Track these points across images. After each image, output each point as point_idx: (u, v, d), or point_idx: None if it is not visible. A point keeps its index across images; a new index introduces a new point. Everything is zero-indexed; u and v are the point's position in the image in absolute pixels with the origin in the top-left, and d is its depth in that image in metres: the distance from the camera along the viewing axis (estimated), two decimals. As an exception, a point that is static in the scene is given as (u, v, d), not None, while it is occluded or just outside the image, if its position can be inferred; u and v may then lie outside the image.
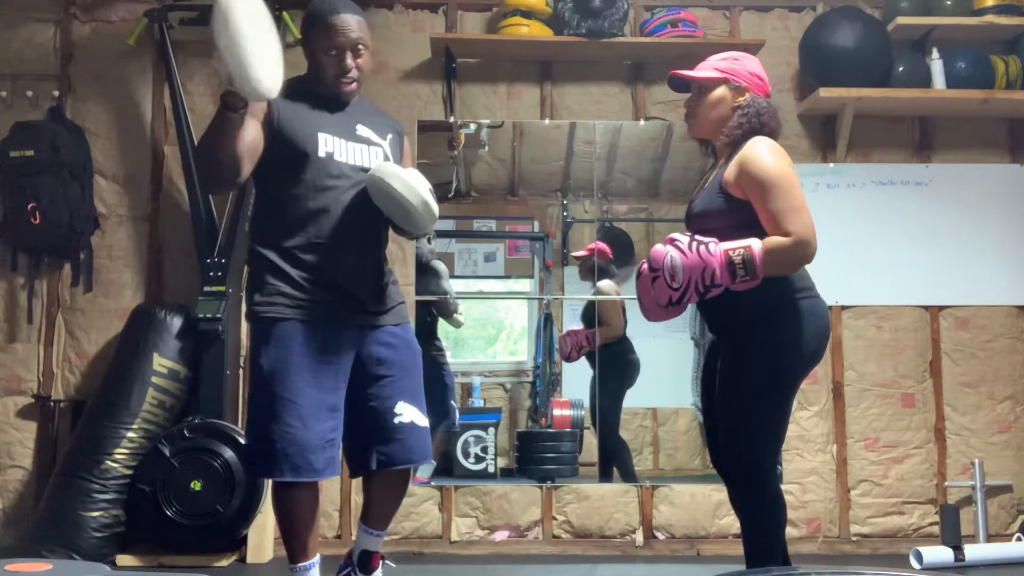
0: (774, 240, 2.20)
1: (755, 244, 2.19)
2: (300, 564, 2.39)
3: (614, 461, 4.16)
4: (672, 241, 2.25)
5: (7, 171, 3.76)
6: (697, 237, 2.24)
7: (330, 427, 2.34)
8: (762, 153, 2.27)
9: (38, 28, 4.00)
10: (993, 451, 3.91)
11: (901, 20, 3.92)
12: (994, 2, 3.91)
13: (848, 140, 3.97)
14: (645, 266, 2.31)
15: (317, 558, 2.42)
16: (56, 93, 3.90)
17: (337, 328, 2.38)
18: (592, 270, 4.27)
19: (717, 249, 2.20)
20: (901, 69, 3.89)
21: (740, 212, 2.28)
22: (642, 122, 4.08)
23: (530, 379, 4.54)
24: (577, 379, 4.37)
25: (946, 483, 3.89)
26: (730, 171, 2.31)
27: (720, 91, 2.39)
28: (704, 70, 2.43)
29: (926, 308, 4.00)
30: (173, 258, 3.90)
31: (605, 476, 4.10)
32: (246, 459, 2.34)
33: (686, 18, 3.93)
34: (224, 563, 3.40)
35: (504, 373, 4.57)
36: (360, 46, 2.40)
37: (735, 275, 2.18)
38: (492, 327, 4.77)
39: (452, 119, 4.02)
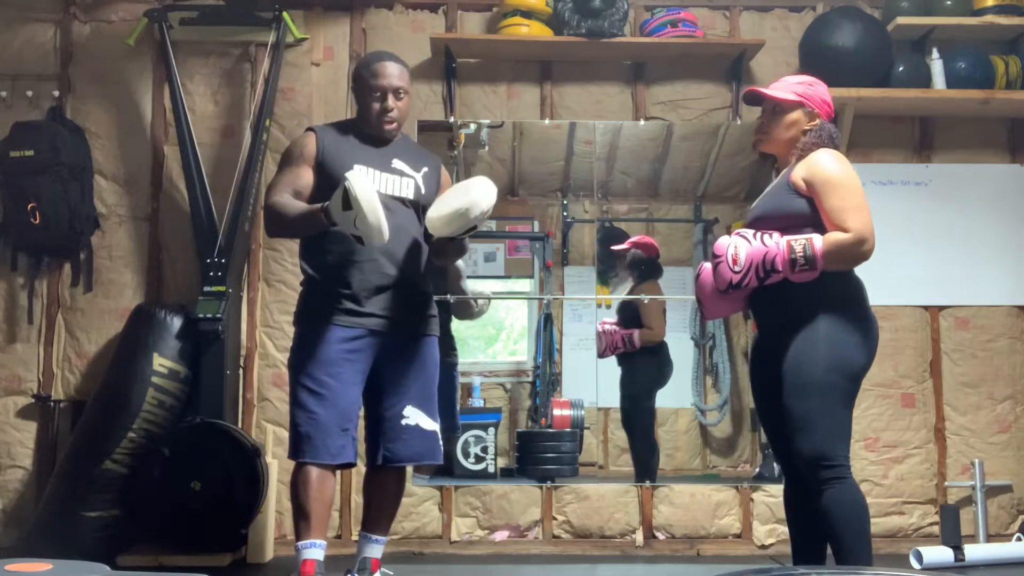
0: (835, 235, 2.32)
1: (816, 237, 2.33)
2: (301, 542, 2.56)
3: (647, 461, 4.15)
4: (737, 233, 2.42)
5: (7, 171, 3.76)
6: (761, 231, 2.40)
7: (347, 417, 2.61)
8: (830, 157, 2.42)
9: (38, 28, 4.00)
10: (993, 451, 3.91)
11: (901, 20, 3.92)
12: (994, 2, 3.92)
13: (848, 140, 3.96)
14: (705, 264, 2.52)
15: (322, 543, 2.57)
16: (56, 93, 3.91)
17: (364, 333, 2.63)
18: (633, 265, 4.26)
19: (780, 239, 2.35)
20: (901, 69, 3.89)
21: (804, 210, 2.40)
22: (642, 122, 4.08)
23: (530, 379, 4.54)
24: (577, 379, 4.37)
25: (946, 483, 3.89)
26: (796, 172, 2.44)
27: (795, 114, 2.52)
28: (783, 91, 2.53)
29: (926, 308, 4.00)
30: (173, 258, 3.90)
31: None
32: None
33: (686, 18, 3.93)
34: (224, 563, 3.40)
35: (504, 373, 4.57)
36: (401, 91, 2.72)
37: (795, 264, 2.31)
38: (492, 327, 4.76)
39: (452, 119, 4.01)
